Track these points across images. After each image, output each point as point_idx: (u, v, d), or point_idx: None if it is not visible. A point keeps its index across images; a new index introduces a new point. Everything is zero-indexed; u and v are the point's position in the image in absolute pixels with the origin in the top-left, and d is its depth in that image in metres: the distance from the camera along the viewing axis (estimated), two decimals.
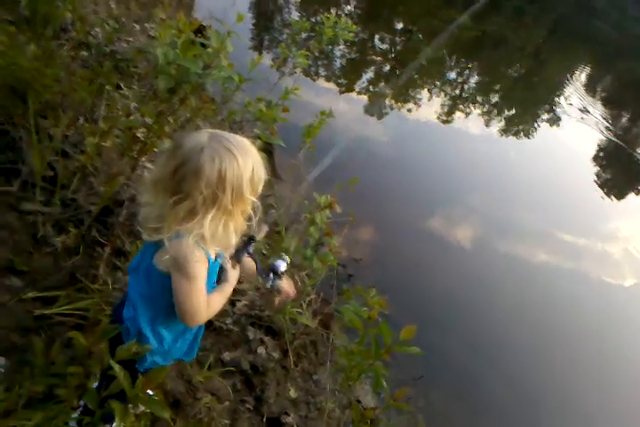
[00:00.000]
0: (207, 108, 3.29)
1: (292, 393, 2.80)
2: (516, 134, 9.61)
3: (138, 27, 5.04)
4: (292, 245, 2.75)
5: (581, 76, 14.61)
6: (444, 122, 8.87)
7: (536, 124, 10.28)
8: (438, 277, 5.01)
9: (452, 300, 4.73)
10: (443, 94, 10.15)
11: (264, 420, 2.58)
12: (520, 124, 10.21)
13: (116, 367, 1.42)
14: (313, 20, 10.00)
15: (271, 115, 3.14)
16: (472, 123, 9.24)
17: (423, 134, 8.09)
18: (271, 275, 1.74)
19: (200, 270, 1.46)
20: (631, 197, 8.99)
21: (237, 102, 3.42)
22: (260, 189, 1.50)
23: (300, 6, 11.40)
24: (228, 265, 1.65)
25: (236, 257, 1.69)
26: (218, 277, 1.64)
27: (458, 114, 9.43)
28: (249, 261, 1.75)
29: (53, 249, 2.53)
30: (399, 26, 13.30)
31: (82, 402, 1.68)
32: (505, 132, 9.45)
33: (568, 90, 12.36)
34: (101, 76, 3.00)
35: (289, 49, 4.11)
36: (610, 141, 10.07)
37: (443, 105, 9.53)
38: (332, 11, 11.58)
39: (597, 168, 9.31)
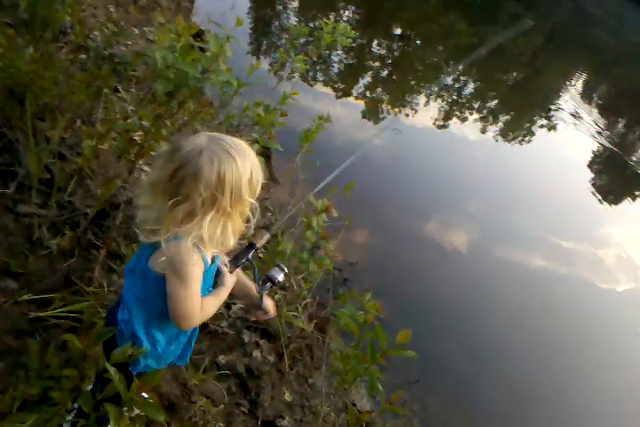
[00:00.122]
0: (205, 112, 3.29)
1: (288, 397, 2.79)
2: (512, 140, 9.63)
3: (137, 30, 5.04)
4: (288, 249, 2.75)
5: (578, 82, 14.68)
6: (441, 127, 8.90)
7: (532, 131, 10.31)
8: (434, 281, 5.01)
9: (447, 304, 4.73)
10: (440, 100, 10.18)
11: (259, 423, 2.58)
12: (516, 131, 10.23)
13: (112, 370, 1.42)
14: (311, 25, 10.03)
15: (269, 119, 3.15)
16: (468, 129, 9.27)
17: (420, 139, 8.11)
18: (268, 284, 1.75)
19: (196, 273, 1.46)
20: (627, 202, 9.02)
21: (236, 107, 3.43)
22: (258, 191, 1.50)
23: (299, 11, 11.44)
24: (226, 269, 1.66)
25: (235, 262, 1.69)
26: (214, 280, 1.65)
27: (454, 120, 9.46)
28: (246, 280, 1.76)
29: (49, 251, 2.53)
30: (397, 31, 13.36)
31: (76, 405, 1.67)
32: (501, 138, 9.48)
33: (565, 97, 12.42)
34: (99, 80, 3.00)
35: (287, 54, 4.12)
36: (605, 148, 10.11)
37: (440, 111, 9.56)
38: (331, 16, 11.62)
39: (593, 174, 9.35)
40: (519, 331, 4.82)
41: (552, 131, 10.42)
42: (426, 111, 9.11)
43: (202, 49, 2.50)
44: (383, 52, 11.31)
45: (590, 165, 9.59)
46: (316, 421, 2.73)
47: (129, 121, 2.89)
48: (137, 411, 1.49)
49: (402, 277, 4.82)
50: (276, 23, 10.43)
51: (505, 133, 9.75)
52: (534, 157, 9.14)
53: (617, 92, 15.79)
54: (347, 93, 8.60)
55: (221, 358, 2.72)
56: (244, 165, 1.42)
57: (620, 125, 12.86)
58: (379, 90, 9.49)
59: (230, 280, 1.67)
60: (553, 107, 11.69)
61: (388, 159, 6.72)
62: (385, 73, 10.44)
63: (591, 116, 11.50)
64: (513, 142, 9.57)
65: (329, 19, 4.18)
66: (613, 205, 8.46)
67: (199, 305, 1.50)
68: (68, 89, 2.99)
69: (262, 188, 1.52)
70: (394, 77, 10.45)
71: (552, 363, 4.61)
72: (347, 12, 13.12)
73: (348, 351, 2.44)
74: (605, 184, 9.34)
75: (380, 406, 2.21)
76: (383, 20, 13.41)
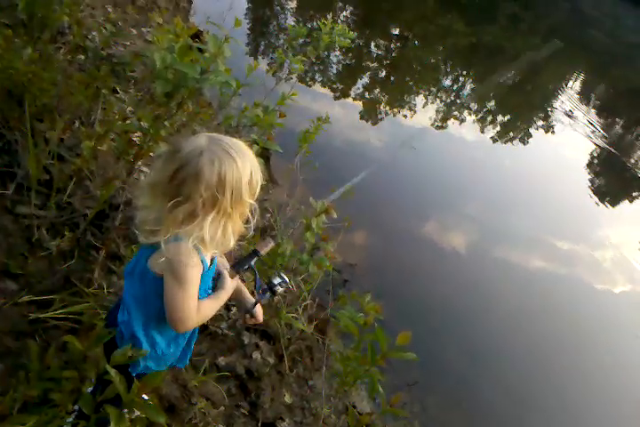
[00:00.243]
0: (204, 113, 3.28)
1: (288, 398, 2.79)
2: (510, 141, 9.64)
3: (135, 31, 5.04)
4: (288, 250, 2.75)
5: (576, 83, 14.70)
6: (439, 128, 8.90)
7: (530, 132, 10.32)
8: (433, 282, 5.01)
9: (446, 305, 4.73)
10: (438, 101, 10.20)
11: (259, 425, 2.58)
12: (514, 132, 10.25)
13: (112, 372, 1.41)
14: (309, 25, 10.04)
15: (268, 120, 3.13)
16: (467, 129, 9.28)
17: (418, 140, 8.11)
18: (267, 294, 1.75)
19: (194, 275, 1.46)
20: (624, 204, 9.03)
21: (234, 107, 3.42)
22: (257, 191, 1.50)
23: (297, 12, 11.45)
24: (227, 273, 1.65)
25: (237, 268, 1.69)
26: (214, 283, 1.64)
27: (452, 120, 9.47)
28: (241, 285, 1.77)
29: (48, 253, 2.52)
30: (395, 32, 13.37)
31: (76, 406, 1.67)
32: (499, 138, 9.48)
33: (562, 98, 12.43)
34: (98, 80, 3.00)
35: (285, 54, 4.11)
36: (603, 149, 10.12)
37: (437, 111, 9.57)
38: (329, 16, 11.61)
39: (591, 175, 9.36)
40: (518, 332, 4.82)
41: (550, 132, 10.43)
42: (424, 112, 9.12)
43: (200, 50, 2.49)
44: (381, 52, 11.32)
45: (588, 167, 9.60)
46: (316, 423, 2.72)
47: (128, 122, 2.88)
48: (137, 413, 1.48)
49: (401, 278, 4.83)
50: (274, 24, 10.43)
51: (503, 134, 9.76)
52: (532, 157, 9.15)
53: (615, 93, 15.82)
54: (345, 94, 8.62)
55: (221, 360, 2.71)
56: (244, 165, 1.42)
57: (618, 126, 12.87)
58: (377, 90, 9.49)
59: (231, 285, 1.67)
60: (551, 108, 11.71)
61: (387, 160, 6.71)
62: (383, 73, 10.44)
63: (589, 117, 11.52)
64: (510, 143, 9.59)
65: (327, 19, 4.16)
66: (611, 207, 8.46)
67: (195, 307, 1.50)
68: (67, 90, 2.98)
69: (261, 188, 1.52)
70: (392, 78, 10.46)
71: (550, 363, 4.61)
72: (344, 13, 13.13)
73: (348, 353, 2.44)
74: (603, 185, 9.35)
75: (380, 408, 2.20)
76: (381, 21, 13.43)
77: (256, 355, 2.85)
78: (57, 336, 2.18)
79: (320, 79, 8.66)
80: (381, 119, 8.37)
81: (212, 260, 1.57)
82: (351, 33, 4.44)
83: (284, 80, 4.42)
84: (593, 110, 12.65)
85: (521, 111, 11.44)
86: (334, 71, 9.30)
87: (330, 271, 3.37)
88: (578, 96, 13.20)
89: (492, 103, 11.31)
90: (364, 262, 4.70)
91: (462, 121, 9.53)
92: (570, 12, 25.14)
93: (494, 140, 9.29)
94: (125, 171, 2.91)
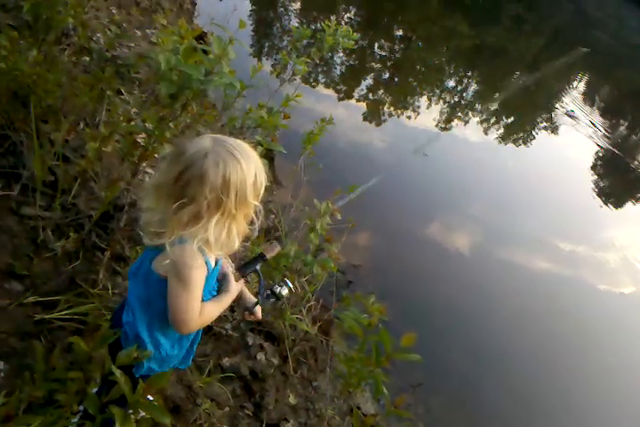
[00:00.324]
0: (208, 115, 3.29)
1: (292, 400, 2.79)
2: (514, 142, 9.63)
3: (139, 33, 5.05)
4: (292, 251, 2.75)
5: (580, 85, 14.67)
6: (443, 129, 8.89)
7: (534, 133, 10.30)
8: (438, 284, 5.00)
9: (450, 306, 4.72)
10: (442, 102, 10.19)
11: (263, 426, 2.57)
12: (518, 133, 10.23)
13: (118, 373, 1.42)
14: (313, 27, 10.05)
15: (272, 122, 3.14)
16: (471, 130, 9.27)
17: (422, 141, 8.11)
18: (271, 300, 1.76)
19: (198, 278, 1.46)
20: (629, 205, 9.00)
21: (239, 109, 3.42)
22: (261, 193, 1.50)
23: (300, 13, 11.46)
24: (232, 276, 1.66)
25: (242, 271, 1.69)
26: (219, 286, 1.64)
27: (456, 121, 9.46)
28: (244, 288, 1.77)
29: (53, 254, 2.53)
30: (399, 33, 13.37)
31: (82, 407, 1.67)
32: (503, 140, 9.47)
33: (567, 99, 12.40)
34: (103, 82, 3.01)
35: (289, 56, 4.11)
36: (607, 150, 10.10)
37: (441, 112, 9.56)
38: (332, 18, 11.63)
39: (595, 177, 9.34)
40: (522, 333, 4.81)
41: (554, 133, 10.40)
42: (428, 113, 9.12)
43: (205, 51, 2.49)
44: (385, 53, 11.32)
45: (592, 168, 9.58)
46: (320, 424, 2.72)
47: (132, 123, 2.89)
48: (142, 413, 1.49)
49: (405, 279, 4.82)
50: (278, 25, 10.45)
51: (507, 135, 9.74)
52: (537, 158, 9.13)
53: (619, 95, 15.77)
54: (349, 95, 8.62)
55: (225, 361, 2.71)
56: (248, 167, 1.42)
57: (623, 128, 12.84)
58: (380, 92, 9.49)
59: (236, 288, 1.67)
60: (555, 109, 11.68)
61: (391, 161, 6.72)
62: (386, 75, 10.44)
63: (593, 119, 11.48)
64: (515, 144, 9.57)
65: (331, 21, 4.16)
66: (616, 208, 8.44)
67: (198, 310, 1.50)
68: (72, 91, 2.99)
69: (265, 190, 1.53)
70: (395, 79, 10.45)
71: (555, 365, 4.60)
72: (348, 14, 13.13)
73: (352, 354, 2.43)
74: (607, 187, 9.32)
75: (384, 410, 2.19)
76: (384, 22, 13.44)
77: (260, 356, 2.85)
78: (62, 337, 2.19)
79: (324, 81, 8.67)
80: (385, 121, 8.36)
81: (216, 261, 1.57)
82: (355, 34, 4.44)
83: (288, 81, 4.42)
84: (597, 112, 12.62)
85: (526, 112, 11.41)
86: (338, 73, 9.30)
87: (334, 272, 3.36)
88: (582, 97, 13.17)
89: (496, 105, 11.29)
90: (368, 263, 4.70)
91: (466, 122, 9.52)
92: (574, 14, 25.10)
93: (498, 142, 9.28)
94: (130, 172, 2.91)
